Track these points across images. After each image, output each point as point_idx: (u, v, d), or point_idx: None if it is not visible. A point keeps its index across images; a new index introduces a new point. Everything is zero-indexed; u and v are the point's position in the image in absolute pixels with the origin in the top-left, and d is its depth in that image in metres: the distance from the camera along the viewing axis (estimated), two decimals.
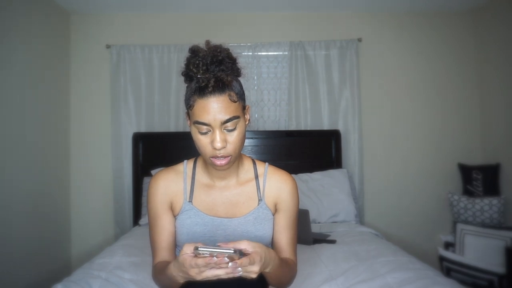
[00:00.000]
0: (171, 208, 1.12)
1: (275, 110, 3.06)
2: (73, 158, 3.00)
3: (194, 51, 0.98)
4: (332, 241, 2.06)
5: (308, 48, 3.03)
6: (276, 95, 3.05)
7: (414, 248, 2.73)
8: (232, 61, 0.99)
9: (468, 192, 2.92)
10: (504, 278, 2.26)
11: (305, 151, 2.96)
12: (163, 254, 1.08)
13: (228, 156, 0.99)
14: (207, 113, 0.94)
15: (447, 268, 2.55)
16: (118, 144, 2.95)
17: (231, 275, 0.83)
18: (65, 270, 2.75)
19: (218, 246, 0.82)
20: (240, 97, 1.00)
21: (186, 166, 1.15)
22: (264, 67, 3.06)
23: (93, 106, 3.03)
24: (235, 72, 1.01)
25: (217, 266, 0.81)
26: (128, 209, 2.92)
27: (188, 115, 1.01)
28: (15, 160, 2.29)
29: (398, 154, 3.09)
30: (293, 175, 1.19)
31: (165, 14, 3.05)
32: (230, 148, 0.98)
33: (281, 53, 3.05)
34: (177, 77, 2.92)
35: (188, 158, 1.18)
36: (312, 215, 2.49)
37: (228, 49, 1.00)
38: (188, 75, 0.99)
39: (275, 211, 1.14)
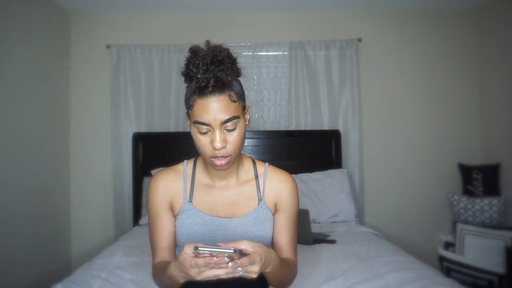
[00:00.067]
0: (171, 208, 1.12)
1: (275, 110, 3.06)
2: (73, 158, 3.00)
3: (194, 51, 0.98)
4: (332, 241, 2.06)
5: (308, 48, 3.03)
6: (276, 95, 3.05)
7: (414, 248, 2.73)
8: (232, 61, 0.99)
9: (468, 192, 2.92)
10: (504, 278, 2.26)
11: (305, 151, 2.96)
12: (163, 254, 1.08)
13: (228, 156, 0.99)
14: (207, 113, 0.94)
15: (447, 268, 2.55)
16: (118, 144, 2.95)
17: (231, 275, 0.83)
18: (65, 270, 2.75)
19: (218, 246, 0.82)
20: (240, 97, 1.00)
21: (186, 166, 1.15)
22: (264, 67, 3.06)
23: (93, 106, 3.03)
24: (235, 72, 1.01)
25: (217, 266, 0.81)
26: (128, 209, 2.92)
27: (188, 115, 1.01)
28: (15, 160, 2.29)
29: (398, 154, 3.09)
30: (293, 175, 1.19)
31: (165, 14, 3.05)
32: (230, 148, 0.99)
33: (281, 53, 3.05)
34: (177, 77, 2.92)
35: (188, 158, 1.18)
36: (312, 215, 2.49)
37: (228, 49, 1.00)
38: (188, 75, 0.99)
39: (275, 211, 1.14)
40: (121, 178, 2.93)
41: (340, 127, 3.01)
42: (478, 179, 2.87)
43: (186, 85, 1.02)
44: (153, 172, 2.61)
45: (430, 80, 3.11)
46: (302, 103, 3.02)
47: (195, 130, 0.99)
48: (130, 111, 2.98)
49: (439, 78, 3.11)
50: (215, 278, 0.83)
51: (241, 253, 0.84)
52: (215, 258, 0.80)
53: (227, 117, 0.95)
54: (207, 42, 1.00)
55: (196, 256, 0.82)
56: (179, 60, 2.95)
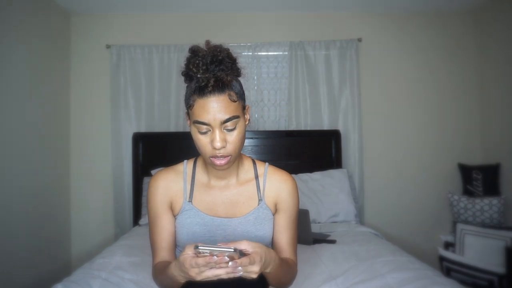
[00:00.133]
0: (171, 208, 1.12)
1: (275, 110, 3.06)
2: (73, 158, 3.00)
3: (194, 51, 0.98)
4: (332, 241, 2.06)
5: (308, 48, 3.03)
6: (276, 95, 3.05)
7: (414, 248, 2.73)
8: (232, 61, 0.99)
9: (468, 192, 2.92)
10: (504, 278, 2.26)
11: (305, 151, 2.96)
12: (163, 254, 1.08)
13: (227, 156, 0.99)
14: (206, 112, 0.94)
15: (447, 268, 2.55)
16: (118, 144, 2.95)
17: (231, 275, 0.83)
18: (65, 270, 2.75)
19: (219, 245, 0.82)
20: (240, 96, 1.00)
21: (186, 166, 1.15)
22: (264, 67, 3.06)
23: (93, 106, 3.03)
24: (235, 72, 1.01)
25: (217, 265, 0.81)
26: (128, 209, 2.92)
27: (188, 115, 1.01)
28: (15, 160, 2.29)
29: (398, 154, 3.09)
30: (293, 175, 1.19)
31: (165, 14, 3.05)
32: (230, 147, 0.99)
33: (281, 53, 3.05)
34: (177, 77, 2.92)
35: (188, 158, 1.18)
36: (312, 215, 2.49)
37: (228, 49, 1.00)
38: (188, 75, 0.99)
39: (275, 211, 1.14)
40: (121, 178, 2.93)
41: (340, 127, 3.01)
42: (478, 179, 2.87)
43: (186, 85, 1.02)
44: (153, 172, 2.61)
45: (430, 80, 3.11)
46: (302, 103, 3.02)
47: (195, 130, 0.99)
48: (130, 111, 2.98)
49: (439, 78, 3.11)
50: (215, 278, 0.83)
51: (241, 253, 0.84)
52: (215, 257, 0.80)
53: (227, 116, 0.95)
54: (207, 42, 1.00)
55: (196, 255, 0.82)
56: (179, 60, 2.95)
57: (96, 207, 2.99)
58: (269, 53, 3.06)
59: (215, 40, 1.01)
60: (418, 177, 3.08)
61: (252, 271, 0.85)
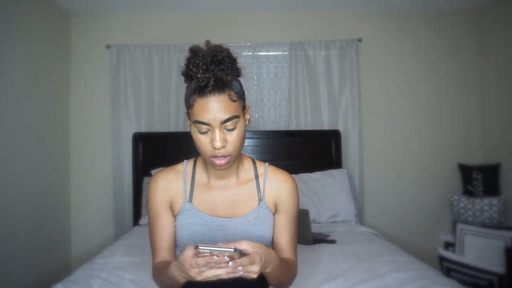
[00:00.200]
0: (171, 208, 1.11)
1: (275, 110, 3.06)
2: (73, 158, 3.00)
3: (194, 51, 0.98)
4: (332, 241, 2.06)
5: (308, 48, 3.03)
6: (276, 95, 3.05)
7: (414, 248, 2.73)
8: (232, 61, 0.99)
9: (468, 192, 2.92)
10: (504, 278, 2.26)
11: (305, 151, 2.96)
12: (163, 254, 1.08)
13: (227, 156, 0.99)
14: (206, 112, 0.94)
15: (447, 268, 2.55)
16: (118, 144, 2.95)
17: (231, 275, 0.83)
18: (65, 270, 2.75)
19: (219, 245, 0.82)
20: (240, 96, 1.00)
21: (186, 166, 1.15)
22: (264, 67, 3.06)
23: (93, 106, 3.03)
24: (235, 72, 1.01)
25: (218, 265, 0.81)
26: (128, 209, 2.92)
27: (188, 114, 1.01)
28: (15, 160, 2.29)
29: (398, 154, 3.09)
30: (293, 175, 1.19)
31: (165, 14, 3.05)
32: (230, 147, 0.98)
33: (281, 53, 3.05)
34: (177, 77, 2.92)
35: (188, 158, 1.18)
36: (312, 215, 2.49)
37: (228, 49, 1.00)
38: (188, 74, 0.99)
39: (275, 211, 1.14)
40: (121, 178, 2.93)
41: (340, 127, 3.01)
42: (478, 179, 2.87)
43: (186, 85, 1.02)
44: (153, 172, 2.61)
45: (430, 80, 3.11)
46: (302, 103, 3.02)
47: (195, 129, 0.99)
48: (130, 111, 2.98)
49: (439, 78, 3.11)
50: (215, 278, 0.83)
51: (241, 253, 0.84)
52: (215, 257, 0.80)
53: (227, 116, 0.95)
54: (207, 42, 1.00)
55: (196, 255, 0.82)
56: (179, 60, 2.95)
57: (96, 207, 2.99)
58: (269, 53, 3.06)
59: (215, 40, 1.01)
60: (418, 177, 3.08)
61: (252, 271, 0.85)
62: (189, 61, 0.98)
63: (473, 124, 3.10)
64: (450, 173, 3.07)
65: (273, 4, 2.94)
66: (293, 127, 3.01)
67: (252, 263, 0.83)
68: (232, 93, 0.96)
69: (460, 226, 2.60)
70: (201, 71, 0.96)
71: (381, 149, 3.09)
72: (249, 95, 3.00)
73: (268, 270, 0.93)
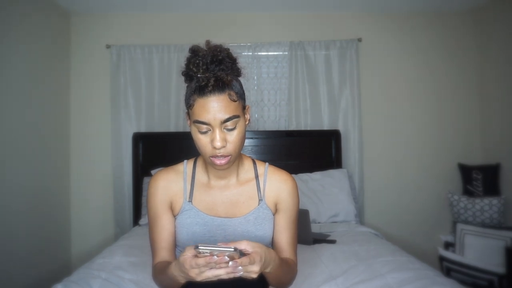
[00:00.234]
0: (171, 208, 1.11)
1: (275, 110, 3.06)
2: (73, 158, 3.00)
3: (194, 51, 0.98)
4: (332, 241, 2.06)
5: (308, 48, 3.03)
6: (276, 95, 3.05)
7: (414, 248, 2.73)
8: (232, 61, 0.99)
9: (468, 192, 2.92)
10: (504, 278, 2.26)
11: (305, 151, 2.96)
12: (163, 254, 1.08)
13: (228, 156, 0.99)
14: (207, 112, 0.94)
15: (447, 268, 2.55)
16: (118, 144, 2.95)
17: (231, 275, 0.83)
18: (65, 270, 2.75)
19: (219, 245, 0.82)
20: (240, 96, 1.00)
21: (186, 166, 1.15)
22: (264, 67, 3.06)
23: (93, 106, 3.03)
24: (235, 71, 1.01)
25: (218, 265, 0.81)
26: (128, 209, 2.92)
27: (188, 114, 1.01)
28: (15, 160, 2.29)
29: (398, 154, 3.09)
30: (293, 175, 1.19)
31: (165, 14, 3.05)
32: (230, 147, 0.98)
33: (281, 53, 3.05)
34: (177, 77, 2.92)
35: (188, 158, 1.18)
36: (312, 215, 2.49)
37: (228, 49, 1.00)
38: (188, 74, 0.99)
39: (275, 211, 1.14)
40: (121, 178, 2.93)
41: (340, 127, 3.01)
42: (478, 179, 2.87)
43: (186, 85, 1.02)
44: (153, 172, 2.61)
45: (430, 80, 3.11)
46: (302, 103, 3.02)
47: (195, 129, 0.99)
48: (130, 111, 2.98)
49: (439, 78, 3.11)
50: (215, 279, 0.83)
51: (241, 253, 0.84)
52: (215, 257, 0.80)
53: (227, 116, 0.95)
54: (207, 42, 1.00)
55: (196, 255, 0.82)
56: (179, 60, 2.95)
57: (96, 207, 2.99)
58: (269, 53, 3.06)
59: (215, 40, 1.01)
60: (418, 177, 3.08)
61: (252, 271, 0.85)
62: (189, 61, 0.98)
63: (473, 124, 3.10)
64: (450, 173, 3.07)
65: (273, 4, 2.94)
66: (293, 127, 3.01)
67: (252, 263, 0.83)
68: (232, 93, 0.96)
69: (460, 226, 2.60)
70: (201, 71, 0.96)
71: (381, 149, 3.09)
72: (249, 95, 3.00)
73: (268, 270, 0.93)
